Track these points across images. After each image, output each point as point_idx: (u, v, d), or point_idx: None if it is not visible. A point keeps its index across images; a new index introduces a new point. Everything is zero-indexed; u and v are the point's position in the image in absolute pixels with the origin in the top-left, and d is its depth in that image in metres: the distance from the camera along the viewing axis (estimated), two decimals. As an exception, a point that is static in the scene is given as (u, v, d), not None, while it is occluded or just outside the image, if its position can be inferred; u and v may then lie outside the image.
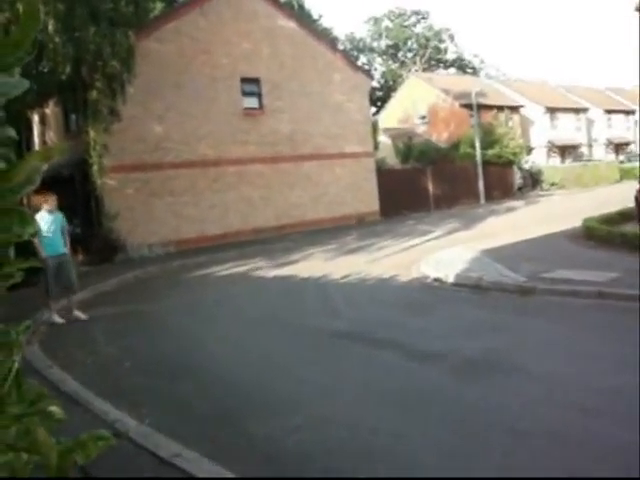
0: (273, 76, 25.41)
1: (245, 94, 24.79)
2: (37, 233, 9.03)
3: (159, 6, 29.73)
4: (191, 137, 22.78)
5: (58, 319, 10.71)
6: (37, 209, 10.92)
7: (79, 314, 10.86)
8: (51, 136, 25.23)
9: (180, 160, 22.38)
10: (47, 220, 10.79)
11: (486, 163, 36.37)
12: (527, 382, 5.82)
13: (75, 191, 20.63)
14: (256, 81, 25.04)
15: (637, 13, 21.18)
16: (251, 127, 24.72)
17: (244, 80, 24.62)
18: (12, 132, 1.22)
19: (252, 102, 25.08)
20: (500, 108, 44.87)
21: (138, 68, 18.87)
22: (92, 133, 18.77)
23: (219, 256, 18.95)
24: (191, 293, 13.47)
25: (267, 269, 15.89)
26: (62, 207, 11.67)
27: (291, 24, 26.66)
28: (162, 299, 12.72)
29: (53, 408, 1.36)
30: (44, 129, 25.85)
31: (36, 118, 25.69)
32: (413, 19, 72.68)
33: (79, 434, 1.36)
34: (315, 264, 15.80)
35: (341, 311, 10.03)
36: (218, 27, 23.84)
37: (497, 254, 13.61)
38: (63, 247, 10.93)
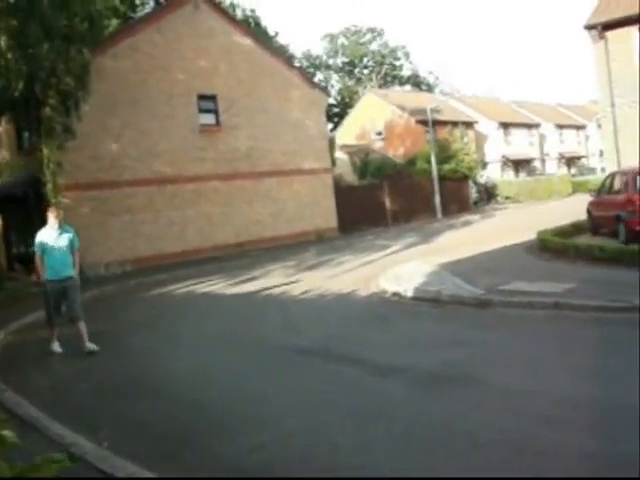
0: (230, 93, 25.39)
1: (202, 111, 24.72)
2: (36, 252, 8.52)
3: (114, 23, 29.48)
4: (148, 154, 22.60)
5: (57, 348, 9.51)
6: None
7: (91, 346, 9.32)
8: (3, 154, 24.75)
9: (137, 178, 22.17)
10: (50, 237, 9.52)
11: (442, 178, 36.80)
12: (487, 394, 5.86)
13: (28, 210, 20.23)
14: (213, 98, 24.99)
15: (586, 31, 21.75)
16: (208, 144, 24.63)
17: (201, 97, 24.56)
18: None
19: (209, 119, 25.02)
20: (455, 124, 45.45)
21: (93, 85, 18.63)
22: (46, 151, 18.44)
23: (178, 274, 18.76)
24: (149, 312, 13.30)
25: (227, 286, 15.79)
26: (15, 226, 11.31)
27: (248, 41, 26.71)
28: (119, 318, 12.54)
29: (6, 432, 1.33)
30: (-4, 147, 25.35)
31: (-12, 136, 25.20)
32: (369, 36, 73.47)
33: (33, 459, 1.33)
34: (275, 280, 15.75)
35: (302, 327, 10.01)
36: (174, 44, 23.76)
37: (455, 267, 13.74)
38: (70, 269, 9.55)
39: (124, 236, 21.66)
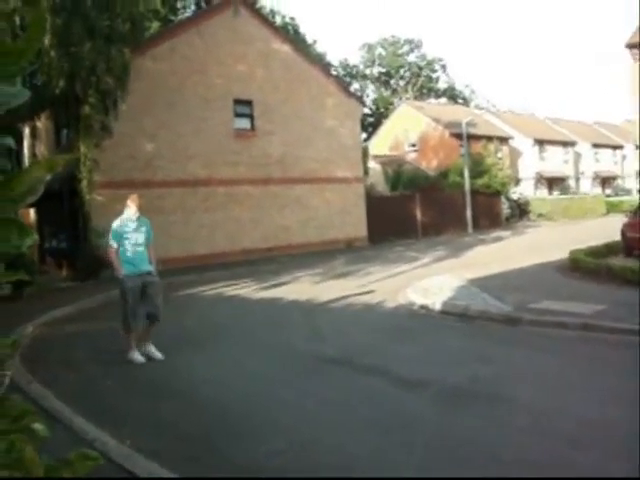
0: (266, 98, 25.53)
1: (237, 115, 24.88)
2: (111, 245, 8.01)
3: (155, 25, 29.86)
4: (182, 156, 22.79)
5: (139, 357, 8.47)
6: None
7: (154, 351, 8.53)
8: (41, 150, 25.16)
9: (170, 179, 22.36)
10: (129, 227, 8.56)
11: (474, 192, 36.57)
12: (512, 412, 5.79)
13: (62, 206, 20.54)
14: (249, 103, 25.14)
15: (627, 50, 21.52)
16: (242, 148, 24.76)
17: (237, 101, 24.72)
18: (11, 142, 1.20)
19: (244, 123, 25.17)
20: (489, 138, 45.20)
21: (132, 85, 18.89)
22: (83, 148, 18.71)
23: (206, 276, 18.86)
24: (176, 312, 13.36)
25: (254, 290, 15.83)
26: (49, 221, 11.19)
27: (286, 48, 26.85)
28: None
29: (37, 425, 1.33)
30: (34, 142, 25.78)
31: (27, 131, 25.64)
32: (406, 48, 73.45)
33: (61, 453, 1.33)
34: (302, 287, 15.76)
35: (327, 336, 9.98)
36: (213, 48, 23.97)
37: (484, 283, 13.62)
38: (148, 264, 8.69)
39: (155, 235, 21.77)
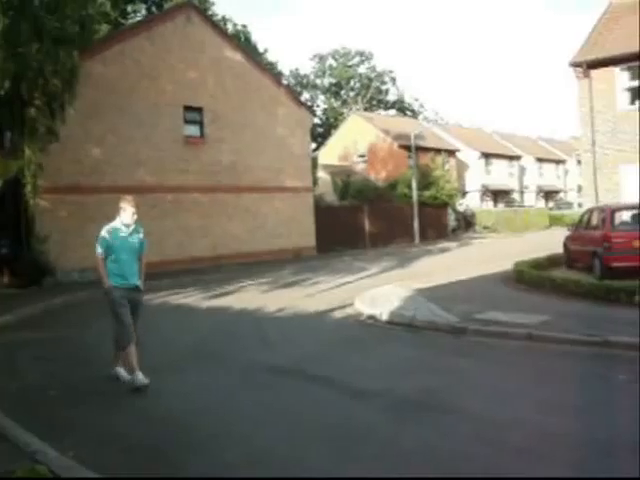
0: (216, 106, 25.43)
1: (187, 122, 24.73)
2: (98, 252, 7.21)
3: (105, 28, 29.44)
4: (130, 162, 22.50)
5: (124, 374, 7.61)
6: None
7: (141, 378, 7.30)
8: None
9: (118, 184, 21.98)
10: (121, 234, 7.55)
11: (422, 204, 37.03)
12: (460, 422, 5.86)
13: (5, 210, 20.01)
14: (199, 110, 25.01)
15: (571, 68, 22.10)
16: (191, 156, 24.59)
17: (187, 108, 24.58)
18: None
19: (194, 130, 25.03)
20: (437, 151, 45.86)
21: (80, 88, 18.50)
22: (27, 152, 18.26)
23: (153, 284, 18.46)
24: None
25: (201, 299, 15.70)
26: None
27: (237, 56, 26.83)
28: (91, 325, 12.36)
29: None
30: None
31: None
32: (357, 59, 74.09)
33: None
34: (250, 296, 15.69)
35: (276, 346, 9.95)
36: (164, 53, 23.78)
37: (431, 293, 13.78)
38: (137, 278, 7.65)
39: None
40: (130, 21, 33.92)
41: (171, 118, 23.94)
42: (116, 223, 7.60)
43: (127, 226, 7.56)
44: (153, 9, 39.01)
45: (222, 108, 25.63)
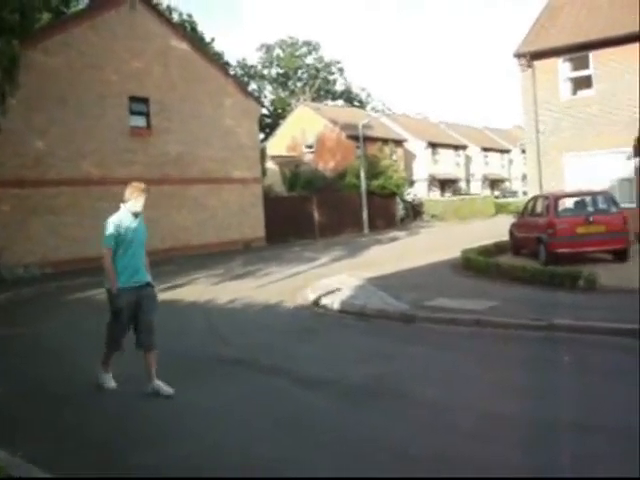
0: (163, 96, 25.13)
1: (133, 113, 24.38)
2: (107, 246, 6.58)
3: (46, 16, 28.72)
4: (75, 154, 22.08)
5: (111, 383, 7.06)
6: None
7: (162, 385, 6.69)
8: None
9: (62, 177, 21.62)
10: (128, 225, 6.79)
11: (370, 193, 37.27)
12: (411, 407, 5.97)
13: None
14: (145, 101, 24.67)
15: (515, 59, 22.50)
16: (138, 147, 24.26)
17: (132, 99, 24.22)
18: None
19: (140, 121, 24.70)
20: (385, 141, 46.20)
21: (21, 79, 18.03)
22: (-33, 145, 17.78)
23: (101, 279, 18.29)
24: (70, 316, 12.94)
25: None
26: None
27: (183, 45, 26.54)
28: (38, 322, 12.13)
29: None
30: None
31: None
32: (304, 49, 73.99)
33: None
34: (201, 289, 15.60)
35: (228, 337, 9.92)
36: (109, 43, 23.35)
37: (381, 282, 13.92)
38: (145, 272, 6.98)
39: (46, 237, 21.04)
40: (73, 9, 33.10)
41: (116, 109, 23.56)
42: (122, 212, 6.83)
43: (136, 215, 6.83)
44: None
45: (169, 99, 25.34)
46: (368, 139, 42.72)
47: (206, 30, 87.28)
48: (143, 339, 6.81)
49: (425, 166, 56.23)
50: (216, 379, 7.45)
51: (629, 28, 20.35)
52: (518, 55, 22.30)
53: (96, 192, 22.53)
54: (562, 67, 21.87)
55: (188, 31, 39.44)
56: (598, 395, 6.09)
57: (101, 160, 22.89)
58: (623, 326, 8.38)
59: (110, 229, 6.72)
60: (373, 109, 73.03)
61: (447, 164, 59.18)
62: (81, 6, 34.11)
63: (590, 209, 15.73)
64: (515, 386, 6.55)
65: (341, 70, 76.17)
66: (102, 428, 5.90)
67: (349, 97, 76.64)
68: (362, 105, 74.87)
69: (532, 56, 21.93)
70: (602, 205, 15.84)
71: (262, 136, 50.86)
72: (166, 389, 6.62)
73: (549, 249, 14.82)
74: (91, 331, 10.94)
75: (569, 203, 16.58)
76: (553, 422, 5.34)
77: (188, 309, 12.95)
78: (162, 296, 14.64)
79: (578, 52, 21.40)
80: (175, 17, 43.03)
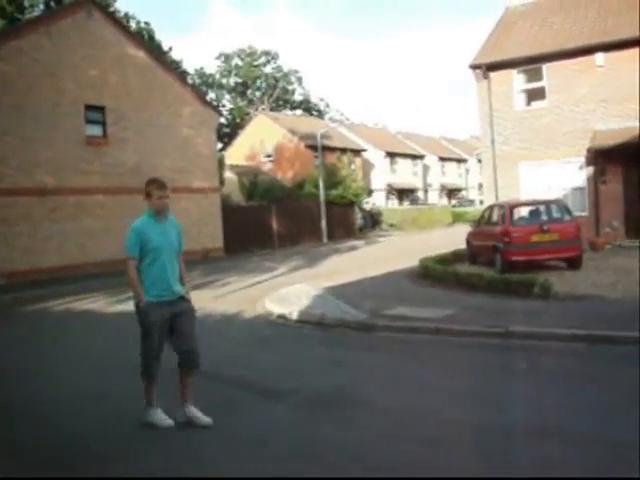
0: (120, 105, 24.86)
1: (89, 122, 24.06)
2: (130, 256, 5.73)
3: (0, 23, 28.25)
4: (29, 163, 21.69)
5: (164, 419, 5.92)
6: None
7: (199, 415, 5.86)
8: None
9: (16, 187, 21.20)
10: (155, 231, 5.89)
11: (329, 203, 37.37)
12: (374, 416, 5.98)
13: None
14: (101, 109, 24.38)
15: (471, 70, 22.84)
16: (94, 156, 23.95)
17: (88, 107, 23.91)
18: None
19: (96, 130, 24.38)
20: (343, 151, 46.43)
21: (-28, 87, 17.72)
22: None
23: (56, 290, 18.01)
24: (23, 329, 12.68)
25: (108, 304, 15.30)
26: None
27: (140, 54, 26.31)
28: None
29: None
30: None
31: None
32: (263, 59, 74.02)
33: None
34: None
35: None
36: (64, 51, 23.04)
37: (340, 291, 13.95)
38: (178, 284, 6.05)
39: (-1, 248, 20.62)
40: (28, 16, 32.64)
41: (72, 117, 23.23)
42: (146, 215, 5.96)
43: (162, 217, 5.94)
44: (52, 4, 37.75)
45: (125, 107, 25.08)
46: (327, 149, 42.90)
47: (164, 38, 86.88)
48: (186, 358, 6.02)
49: (383, 175, 56.61)
50: (176, 392, 7.34)
51: (581, 41, 20.87)
52: (474, 66, 22.66)
53: (51, 202, 22.20)
54: (517, 78, 22.30)
55: (145, 39, 39.17)
56: (553, 400, 6.18)
57: (56, 169, 22.53)
58: (576, 332, 8.55)
59: (131, 235, 5.87)
60: (331, 119, 73.35)
61: (405, 173, 59.67)
62: (36, 13, 33.69)
63: (544, 218, 16.01)
64: (473, 393, 6.62)
65: (300, 80, 76.45)
66: (57, 442, 5.77)
67: (308, 107, 76.86)
68: (321, 115, 75.16)
69: (487, 67, 22.31)
70: (556, 214, 16.14)
71: (220, 145, 50.70)
72: (204, 419, 5.79)
73: (505, 257, 15.04)
74: (42, 346, 10.76)
75: (524, 212, 16.85)
76: (510, 427, 5.41)
77: (146, 320, 12.77)
78: (118, 308, 14.53)
79: (532, 64, 21.85)
80: (133, 25, 42.73)
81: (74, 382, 8.01)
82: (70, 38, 23.30)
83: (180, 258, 6.15)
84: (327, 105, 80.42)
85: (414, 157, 62.36)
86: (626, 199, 20.34)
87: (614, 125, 20.15)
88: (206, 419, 5.78)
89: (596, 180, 20.66)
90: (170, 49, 49.21)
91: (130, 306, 13.85)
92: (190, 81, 48.71)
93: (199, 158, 28.23)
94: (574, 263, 15.33)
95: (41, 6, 37.81)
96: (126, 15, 43.48)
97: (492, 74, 22.36)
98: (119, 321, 13.05)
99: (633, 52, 19.88)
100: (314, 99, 78.72)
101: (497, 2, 24.28)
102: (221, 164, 34.76)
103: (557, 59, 21.20)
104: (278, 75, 73.98)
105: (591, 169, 20.82)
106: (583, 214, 20.05)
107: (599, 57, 20.49)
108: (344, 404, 6.42)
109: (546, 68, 21.58)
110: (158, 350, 5.90)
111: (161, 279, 5.83)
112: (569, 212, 16.12)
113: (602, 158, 20.27)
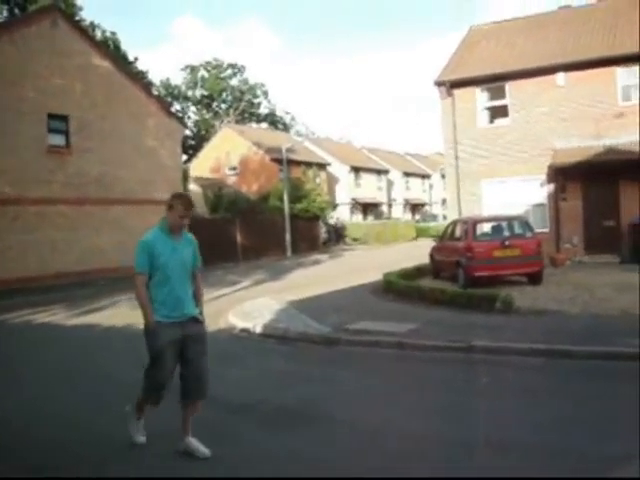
0: (83, 115, 24.63)
1: (52, 131, 23.77)
2: (139, 272, 5.21)
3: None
4: (-12, 172, 21.33)
5: (140, 437, 5.68)
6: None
7: (198, 446, 5.38)
8: None
9: (-25, 196, 20.84)
10: (166, 247, 5.36)
11: (294, 217, 37.42)
12: (337, 431, 5.97)
13: None
14: (64, 118, 24.10)
15: (436, 87, 23.12)
16: (56, 166, 23.66)
17: (51, 116, 23.62)
18: None
19: (59, 140, 24.09)
20: (308, 164, 46.56)
21: None
22: None
23: (14, 302, 17.67)
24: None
25: (68, 317, 15.05)
26: None
27: (106, 63, 26.13)
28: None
29: None
30: None
31: None
32: (229, 72, 73.93)
33: None
34: (121, 313, 15.21)
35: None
36: (28, 59, 22.77)
37: (303, 305, 13.93)
38: (193, 305, 5.59)
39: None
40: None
41: (34, 126, 22.93)
42: (158, 229, 5.46)
43: (176, 232, 5.45)
44: (16, 11, 37.33)
45: (89, 117, 24.84)
46: (292, 162, 42.99)
47: (130, 49, 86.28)
48: (191, 389, 5.46)
49: (348, 190, 56.83)
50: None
51: (542, 61, 21.30)
52: (438, 83, 22.95)
53: (11, 212, 21.84)
54: (480, 96, 22.65)
55: (111, 49, 38.91)
56: (513, 414, 6.26)
57: (17, 179, 22.19)
58: (536, 346, 8.67)
59: (140, 250, 5.34)
60: (297, 133, 73.62)
61: (369, 188, 59.98)
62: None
63: (506, 233, 16.23)
64: (435, 407, 6.66)
65: (265, 93, 76.49)
66: (21, 454, 5.65)
67: (273, 120, 76.94)
68: (286, 128, 75.32)
69: (451, 85, 22.62)
70: (518, 230, 16.39)
71: (185, 157, 50.41)
72: (202, 450, 5.33)
73: (467, 272, 15.19)
74: None
75: (486, 227, 17.08)
76: (472, 441, 5.45)
77: (105, 334, 12.60)
78: (77, 321, 14.33)
79: (495, 82, 22.22)
80: (98, 34, 42.42)
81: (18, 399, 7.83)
82: (34, 46, 23.04)
83: (198, 276, 5.73)
84: (293, 119, 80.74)
85: (378, 172, 62.74)
86: (585, 216, 20.75)
87: (574, 143, 20.57)
88: (206, 450, 5.32)
89: (557, 197, 21.04)
90: (136, 59, 49.00)
91: (90, 319, 13.73)
92: (155, 92, 48.42)
93: (163, 170, 28.04)
94: (535, 278, 15.55)
95: (5, 12, 37.41)
96: (92, 24, 43.16)
97: (456, 91, 22.67)
98: (78, 334, 12.87)
99: (592, 72, 20.37)
100: (280, 112, 78.93)
101: (462, 21, 24.60)
102: (185, 176, 34.58)
103: (519, 78, 21.60)
104: (244, 88, 73.94)
105: (552, 186, 21.19)
106: (544, 230, 20.38)
107: (560, 77, 20.94)
108: (308, 419, 6.39)
109: (508, 86, 21.97)
110: (168, 376, 5.36)
111: (171, 298, 5.34)
112: (530, 228, 16.37)
113: (562, 175, 20.66)
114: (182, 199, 5.49)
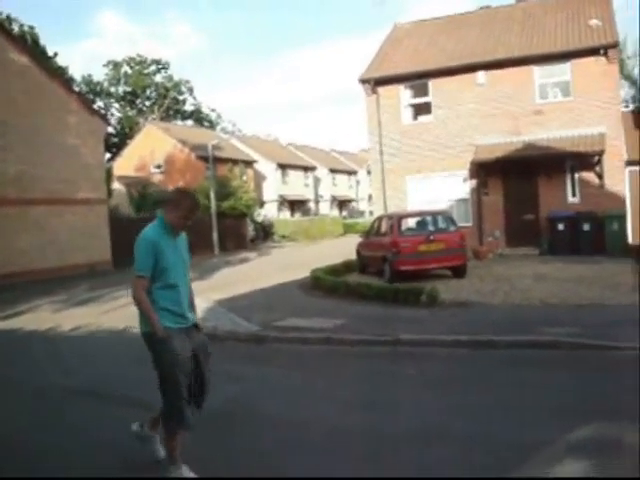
0: (0, 112, 23.75)
1: (-34, 129, 22.86)
2: (140, 274, 4.66)
3: None
4: None
5: (188, 472, 4.71)
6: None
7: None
8: None
9: None
10: (167, 245, 4.86)
11: (221, 214, 37.14)
12: (265, 427, 5.99)
13: None
14: (-20, 116, 23.23)
15: (361, 85, 23.34)
16: (-29, 165, 22.77)
17: (-35, 114, 22.72)
18: None
19: (-27, 138, 23.19)
20: (235, 162, 46.26)
21: None
22: None
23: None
24: None
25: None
26: None
27: (23, 59, 25.24)
28: None
29: None
30: None
31: None
32: (153, 68, 72.61)
33: None
34: (43, 316, 14.78)
35: (72, 367, 9.46)
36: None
37: (231, 304, 13.88)
38: (191, 310, 5.07)
39: None
40: None
41: (-54, 125, 22.02)
42: (159, 225, 4.93)
43: (175, 230, 4.94)
44: None
45: (7, 114, 23.97)
46: (218, 160, 42.61)
47: (49, 44, 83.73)
48: (194, 393, 4.93)
49: (275, 187, 56.79)
50: (55, 411, 7.06)
51: (463, 59, 21.79)
52: (363, 81, 23.19)
53: None
54: (404, 94, 23.01)
55: (29, 43, 37.70)
56: (438, 405, 6.39)
57: None
58: (461, 338, 8.90)
59: (144, 251, 4.81)
60: (223, 130, 72.93)
61: (296, 185, 60.10)
62: None
63: (431, 228, 16.56)
64: (363, 401, 6.73)
65: (191, 90, 75.47)
66: None
67: (199, 117, 76.06)
68: (212, 126, 74.56)
69: (376, 82, 22.90)
70: (442, 224, 16.73)
71: (108, 156, 49.33)
72: (188, 473, 4.72)
73: (393, 267, 15.41)
74: None
75: (411, 222, 17.36)
76: (401, 434, 5.55)
77: (27, 339, 12.22)
78: (-1, 325, 13.85)
79: (418, 80, 22.61)
80: (15, 28, 41.03)
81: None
82: (-56, 41, 22.12)
83: (189, 278, 5.18)
84: (219, 116, 79.94)
85: (305, 169, 62.92)
86: (506, 210, 21.37)
87: (495, 140, 21.14)
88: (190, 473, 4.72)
89: (479, 192, 21.58)
90: (55, 55, 47.54)
91: (9, 324, 13.30)
92: (77, 89, 47.20)
93: (85, 169, 27.34)
94: (459, 271, 15.91)
95: None
96: (8, 18, 41.73)
97: (380, 89, 22.97)
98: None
99: (511, 71, 20.97)
100: (205, 110, 78.11)
101: (387, 18, 24.94)
102: (109, 175, 33.85)
103: (441, 76, 22.06)
104: (169, 84, 72.80)
105: (474, 181, 21.73)
106: (467, 225, 20.88)
107: (480, 75, 21.47)
108: (236, 416, 6.39)
109: (431, 84, 22.39)
110: (185, 385, 4.74)
111: (176, 303, 4.81)
112: (454, 222, 16.74)
113: (484, 171, 21.21)
114: (189, 198, 4.98)
